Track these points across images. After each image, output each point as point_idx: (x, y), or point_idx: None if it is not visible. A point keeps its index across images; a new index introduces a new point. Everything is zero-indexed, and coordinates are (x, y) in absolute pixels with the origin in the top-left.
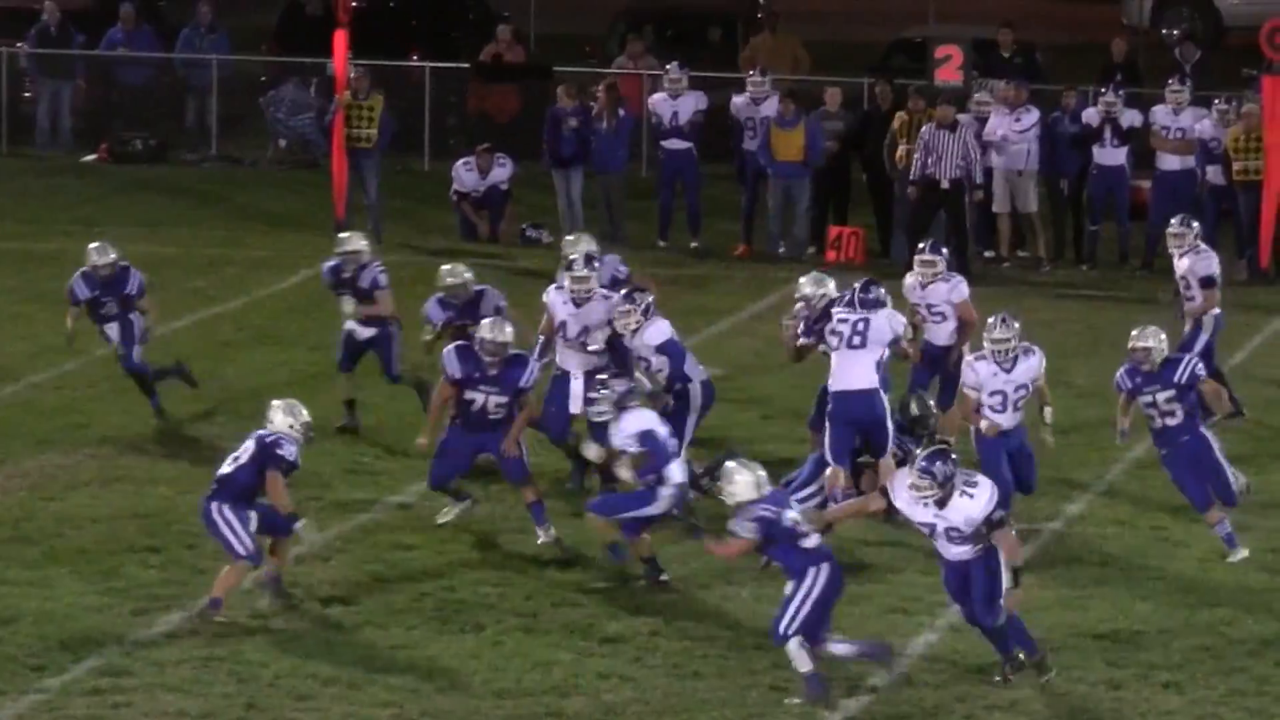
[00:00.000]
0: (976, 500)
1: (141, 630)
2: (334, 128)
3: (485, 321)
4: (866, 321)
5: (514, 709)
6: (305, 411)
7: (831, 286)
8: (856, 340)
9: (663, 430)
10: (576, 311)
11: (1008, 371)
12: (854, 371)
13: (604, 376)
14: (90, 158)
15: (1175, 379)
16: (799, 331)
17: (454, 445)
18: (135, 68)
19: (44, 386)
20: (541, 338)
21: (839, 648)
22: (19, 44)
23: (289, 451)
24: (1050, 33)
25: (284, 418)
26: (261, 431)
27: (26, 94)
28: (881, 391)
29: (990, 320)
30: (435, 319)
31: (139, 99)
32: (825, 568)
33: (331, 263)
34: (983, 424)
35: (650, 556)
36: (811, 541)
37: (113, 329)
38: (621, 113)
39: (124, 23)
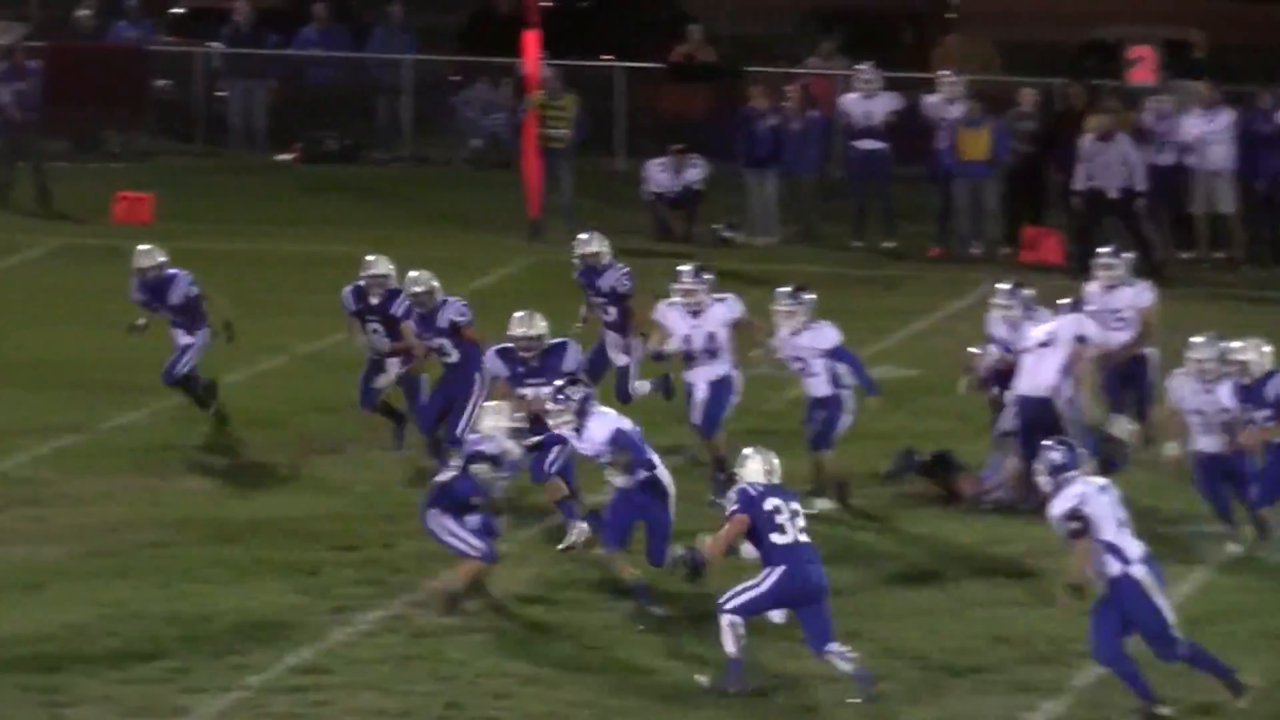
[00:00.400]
0: (1057, 503)
1: (341, 628)
2: (526, 127)
3: (516, 315)
4: (1058, 322)
5: (714, 707)
6: (514, 413)
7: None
8: (1045, 337)
9: (627, 424)
10: (697, 323)
11: (1209, 392)
12: (1038, 373)
13: (561, 383)
14: (283, 157)
15: (1268, 396)
16: (981, 374)
17: None
18: (327, 68)
19: (239, 386)
20: (660, 348)
21: (841, 662)
22: (213, 44)
23: (489, 447)
24: (1242, 33)
25: (492, 420)
26: (471, 436)
27: (220, 94)
28: (1060, 398)
29: (1197, 339)
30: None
31: (331, 99)
32: (782, 570)
33: (355, 285)
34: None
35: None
36: (785, 538)
37: (179, 336)
38: (813, 113)
39: (317, 22)
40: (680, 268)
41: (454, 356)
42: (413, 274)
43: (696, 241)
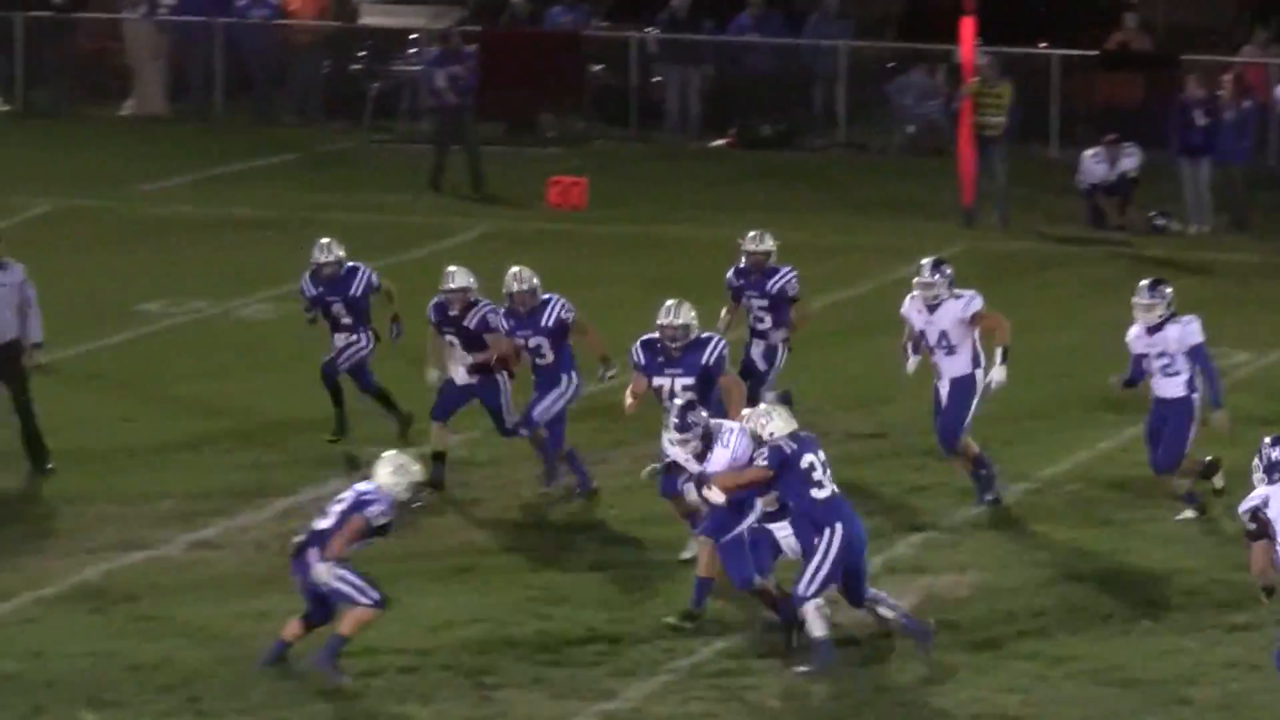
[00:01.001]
0: (1246, 500)
1: (769, 611)
2: (961, 115)
3: (667, 304)
4: None
5: (1141, 698)
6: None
7: None
8: None
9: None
10: (931, 319)
11: None
12: None
13: (683, 406)
14: (717, 143)
15: None
16: None
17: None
18: (762, 54)
19: None
20: (906, 345)
21: (886, 610)
22: (649, 29)
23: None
24: None
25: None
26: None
27: (655, 79)
28: None
29: None
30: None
31: (766, 85)
32: (839, 527)
33: (436, 300)
34: None
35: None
36: (824, 492)
37: (340, 339)
38: (1247, 102)
39: (751, 8)
40: (922, 261)
41: (549, 358)
42: (514, 269)
43: (1130, 229)
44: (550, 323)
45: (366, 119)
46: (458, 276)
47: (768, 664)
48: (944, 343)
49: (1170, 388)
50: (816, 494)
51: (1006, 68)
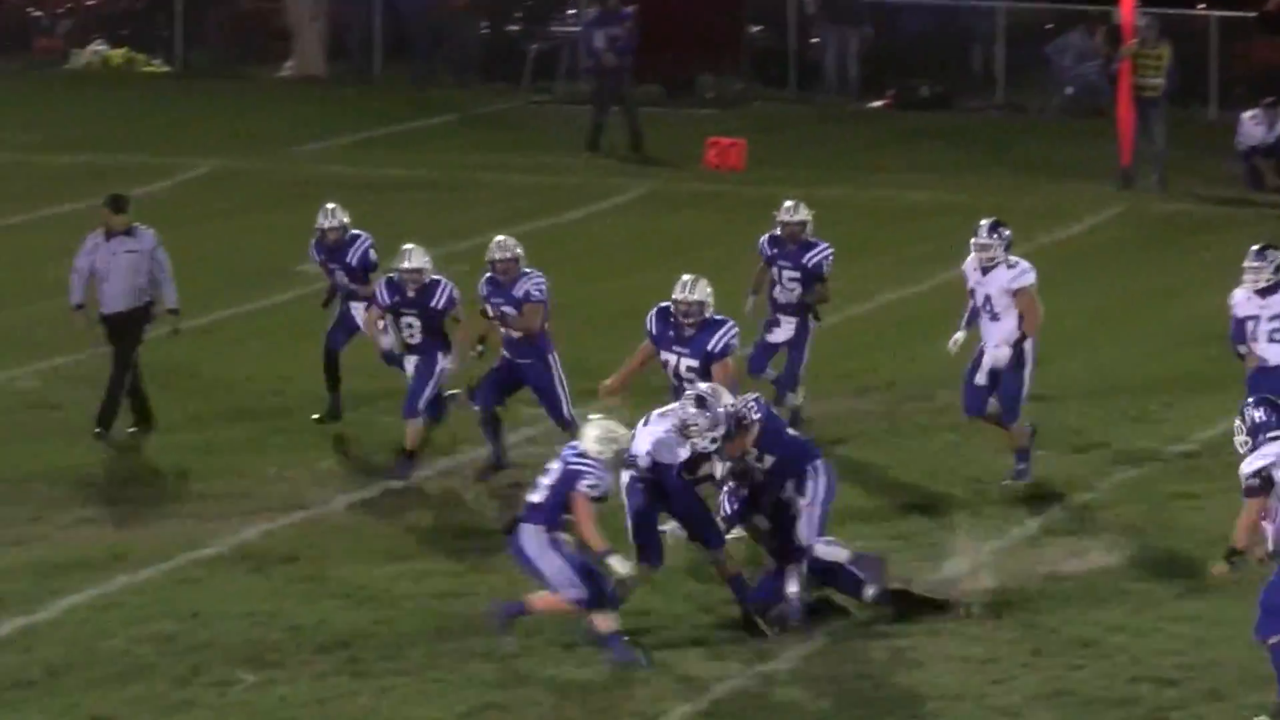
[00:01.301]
0: (1248, 461)
1: (930, 575)
2: (1120, 76)
3: (684, 278)
4: None
5: None
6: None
7: None
8: None
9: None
10: (983, 279)
11: None
12: None
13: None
14: (876, 104)
15: None
16: None
17: None
18: (920, 15)
19: (827, 331)
20: (968, 306)
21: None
22: None
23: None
24: None
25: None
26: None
27: (814, 40)
28: None
29: None
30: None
31: (924, 46)
32: (821, 465)
33: (388, 278)
34: None
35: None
36: (796, 430)
37: (355, 311)
38: None
39: None
40: (981, 221)
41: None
42: (499, 238)
43: None
44: (519, 294)
45: (525, 80)
46: (414, 256)
47: (924, 625)
48: (989, 307)
49: (1275, 353)
50: (794, 431)
51: (1165, 29)
